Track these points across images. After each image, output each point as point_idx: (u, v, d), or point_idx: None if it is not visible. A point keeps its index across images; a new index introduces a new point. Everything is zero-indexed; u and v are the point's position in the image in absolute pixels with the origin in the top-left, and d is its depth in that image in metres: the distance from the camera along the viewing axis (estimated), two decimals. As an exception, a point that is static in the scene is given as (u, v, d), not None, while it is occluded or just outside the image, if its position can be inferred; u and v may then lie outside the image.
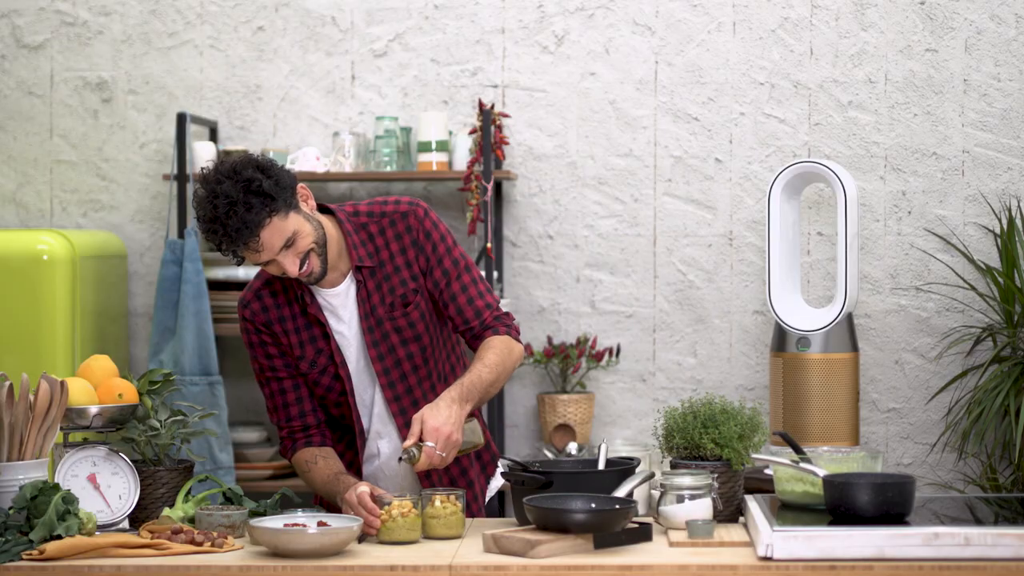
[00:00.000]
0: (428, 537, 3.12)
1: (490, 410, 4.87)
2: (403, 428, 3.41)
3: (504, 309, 3.50)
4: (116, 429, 3.30)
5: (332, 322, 3.38)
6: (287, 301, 3.39)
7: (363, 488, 3.18)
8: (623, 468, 3.28)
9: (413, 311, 3.38)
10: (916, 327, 4.98)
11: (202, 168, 3.31)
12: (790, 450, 3.28)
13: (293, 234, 3.21)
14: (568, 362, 4.96)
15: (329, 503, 3.45)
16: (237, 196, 3.15)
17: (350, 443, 3.50)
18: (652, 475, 3.25)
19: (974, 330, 4.86)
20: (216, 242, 3.20)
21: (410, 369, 3.40)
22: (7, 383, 3.11)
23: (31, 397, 3.12)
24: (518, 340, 3.44)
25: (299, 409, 3.44)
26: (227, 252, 3.22)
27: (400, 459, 3.17)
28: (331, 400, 3.43)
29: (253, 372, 3.47)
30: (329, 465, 3.39)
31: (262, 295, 3.41)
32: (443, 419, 3.18)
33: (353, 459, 3.49)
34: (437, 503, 3.13)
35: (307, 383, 3.43)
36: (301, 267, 3.23)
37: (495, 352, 3.36)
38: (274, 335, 3.40)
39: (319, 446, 3.44)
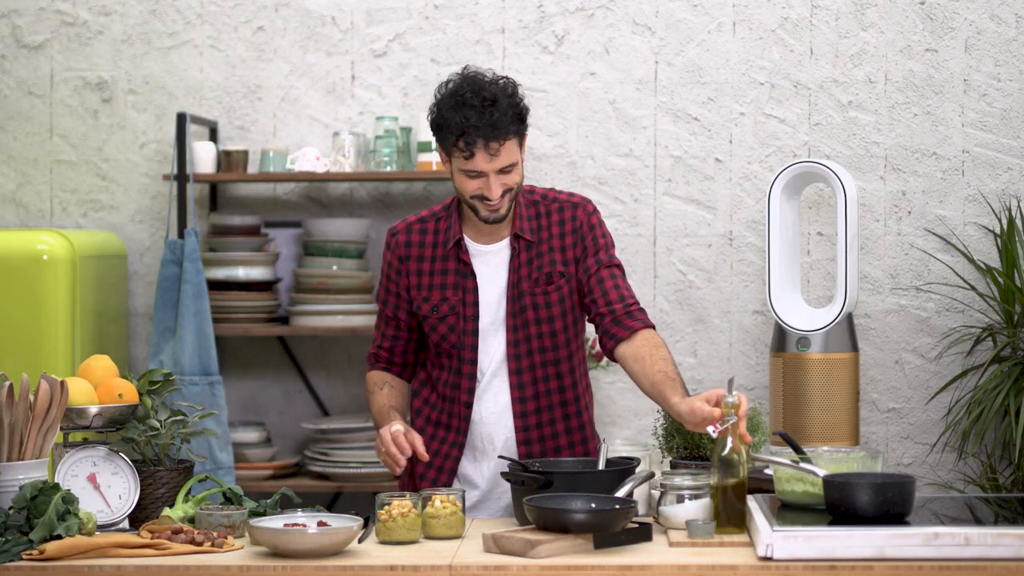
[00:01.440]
0: (428, 537, 3.13)
1: (490, 410, 4.87)
2: (517, 402, 3.50)
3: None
4: (116, 429, 3.30)
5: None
6: (434, 243, 3.54)
7: (398, 427, 3.36)
8: (623, 468, 3.28)
9: (554, 292, 3.49)
10: (916, 327, 4.98)
11: (466, 67, 3.45)
12: (790, 450, 3.28)
13: (512, 165, 3.39)
14: (568, 362, 4.95)
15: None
16: (502, 100, 3.35)
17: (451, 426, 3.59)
18: (652, 475, 3.25)
19: (974, 330, 4.86)
20: (462, 126, 3.33)
21: (537, 348, 3.50)
22: (7, 383, 3.11)
23: (31, 397, 3.12)
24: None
25: (391, 344, 3.64)
26: (466, 140, 3.33)
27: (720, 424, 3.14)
28: (443, 349, 3.53)
29: (380, 285, 3.65)
30: (392, 396, 3.60)
31: (413, 229, 3.57)
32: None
33: (455, 423, 3.57)
34: (437, 503, 3.13)
35: (416, 329, 3.59)
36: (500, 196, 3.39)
37: (664, 349, 3.43)
38: (407, 272, 3.55)
39: (396, 376, 3.66)
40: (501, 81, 3.40)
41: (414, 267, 3.54)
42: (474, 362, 3.51)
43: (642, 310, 3.49)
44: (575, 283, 3.52)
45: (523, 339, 3.49)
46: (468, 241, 3.52)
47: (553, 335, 3.51)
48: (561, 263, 3.50)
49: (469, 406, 3.52)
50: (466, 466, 3.56)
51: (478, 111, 3.33)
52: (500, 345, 3.51)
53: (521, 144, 3.42)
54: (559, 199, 3.56)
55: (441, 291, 3.51)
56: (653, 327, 3.49)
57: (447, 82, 3.41)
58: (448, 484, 3.55)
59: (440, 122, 3.39)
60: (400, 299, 3.58)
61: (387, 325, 3.63)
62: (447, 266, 3.52)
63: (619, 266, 3.55)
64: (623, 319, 3.46)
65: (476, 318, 3.50)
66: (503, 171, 3.37)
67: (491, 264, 3.51)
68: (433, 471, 3.56)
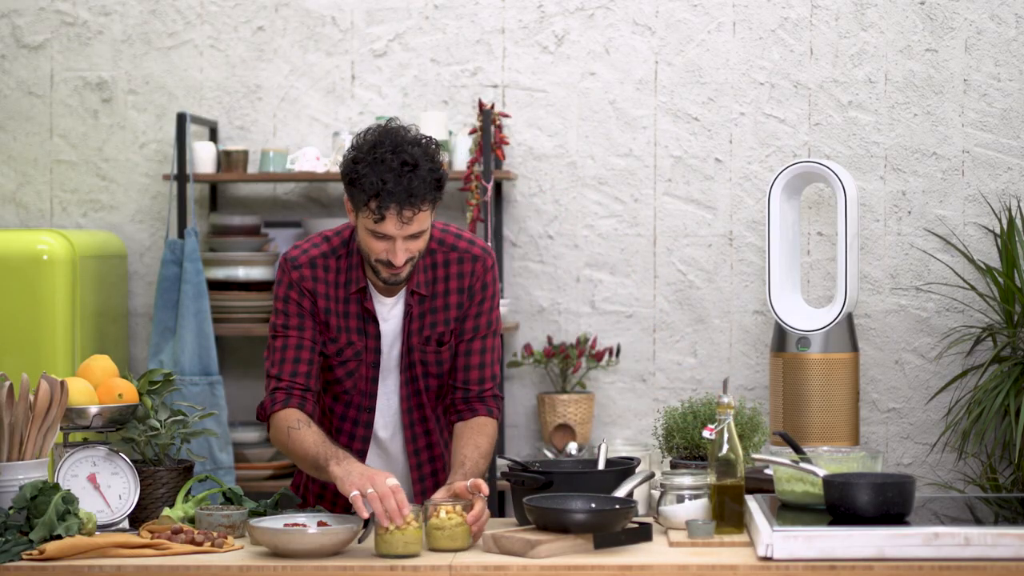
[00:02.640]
0: (432, 549, 3.00)
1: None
2: (412, 456, 3.42)
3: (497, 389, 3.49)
4: (116, 429, 3.30)
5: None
6: (336, 282, 3.34)
7: (393, 481, 3.01)
8: (623, 468, 3.28)
9: (445, 351, 3.38)
10: (916, 327, 4.98)
11: (390, 120, 3.25)
12: (790, 450, 3.28)
13: (422, 233, 3.20)
14: (568, 362, 4.96)
15: (316, 495, 3.47)
16: (423, 164, 3.14)
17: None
18: (652, 475, 3.25)
19: (974, 330, 4.86)
20: (377, 187, 3.11)
21: (427, 401, 3.41)
22: (7, 383, 3.11)
23: (31, 397, 3.12)
24: (498, 421, 3.46)
25: (308, 369, 3.32)
26: (380, 203, 3.12)
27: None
28: (332, 391, 3.40)
29: (271, 325, 3.35)
30: (322, 432, 3.24)
31: (316, 265, 3.33)
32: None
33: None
34: (442, 514, 3.01)
35: (320, 357, 3.37)
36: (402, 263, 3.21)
37: (488, 440, 3.36)
38: (315, 306, 3.33)
39: (309, 415, 3.31)
40: (424, 141, 3.19)
41: (321, 304, 3.33)
42: (371, 410, 3.39)
43: (495, 395, 3.42)
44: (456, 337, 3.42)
45: (413, 392, 3.39)
46: (371, 288, 3.34)
47: (440, 388, 3.42)
48: (454, 320, 3.37)
49: (363, 454, 3.40)
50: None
51: (396, 174, 3.11)
52: (394, 397, 3.40)
53: (434, 209, 3.22)
54: (458, 248, 3.36)
55: (347, 334, 3.34)
56: (495, 415, 3.42)
57: (366, 132, 3.20)
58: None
59: (354, 177, 3.15)
60: (317, 321, 3.32)
61: (300, 351, 3.31)
62: (349, 309, 3.34)
63: (495, 332, 3.42)
64: (472, 401, 3.40)
65: (376, 365, 3.36)
66: (413, 237, 3.19)
67: (388, 315, 3.35)
68: (326, 504, 3.45)
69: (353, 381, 3.38)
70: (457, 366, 3.40)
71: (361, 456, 3.40)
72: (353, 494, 3.00)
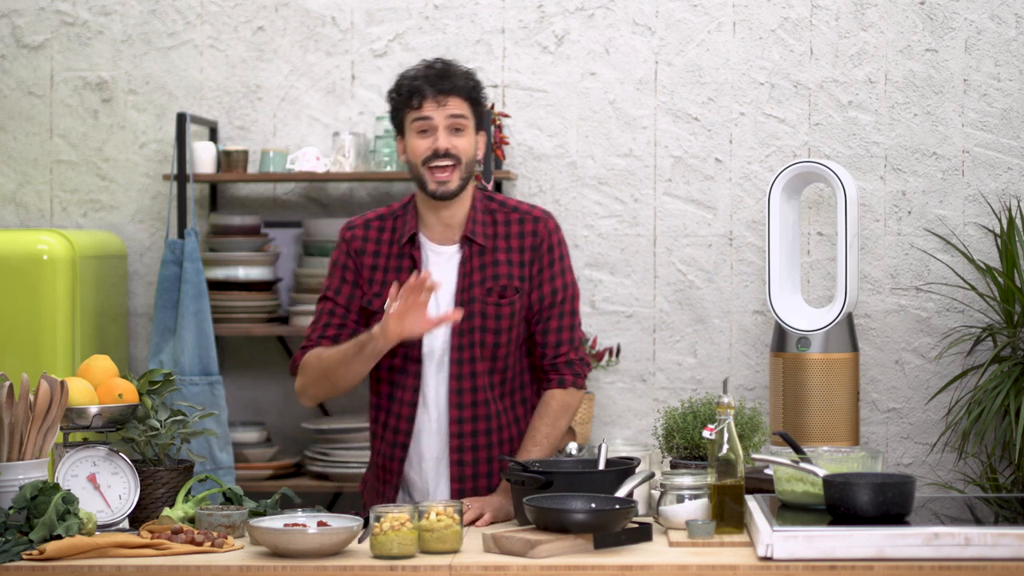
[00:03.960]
0: (423, 551, 2.98)
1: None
2: (454, 393, 3.45)
3: (582, 352, 3.56)
4: (116, 429, 3.31)
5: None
6: (390, 240, 3.51)
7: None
8: (623, 468, 3.28)
9: (506, 306, 3.45)
10: (916, 327, 4.98)
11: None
12: (790, 450, 3.28)
13: (463, 119, 3.42)
14: (568, 362, 4.95)
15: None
16: (456, 67, 3.46)
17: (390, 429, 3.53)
18: (652, 475, 3.25)
19: (974, 330, 4.86)
20: (412, 82, 3.41)
21: (479, 355, 3.45)
22: (7, 383, 3.11)
23: (31, 397, 3.12)
24: (581, 386, 3.54)
25: (337, 332, 3.51)
26: (418, 94, 3.39)
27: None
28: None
29: (322, 287, 3.60)
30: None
31: (371, 226, 3.54)
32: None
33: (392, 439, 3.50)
34: (432, 516, 2.98)
35: (362, 324, 3.50)
36: (448, 156, 3.38)
37: (547, 423, 3.47)
38: (359, 267, 3.51)
39: None
40: (464, 67, 3.48)
41: (368, 262, 3.50)
42: (419, 360, 3.47)
43: (568, 362, 3.51)
44: (527, 300, 3.48)
45: (467, 345, 3.44)
46: (422, 238, 3.49)
47: (496, 348, 3.47)
48: (517, 277, 3.46)
49: (414, 406, 3.47)
50: (409, 473, 3.51)
51: (428, 69, 3.42)
52: (445, 351, 3.45)
53: (477, 117, 3.46)
54: (519, 209, 3.52)
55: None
56: (579, 381, 3.52)
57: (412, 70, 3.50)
58: (396, 488, 3.51)
59: (395, 93, 3.45)
60: (355, 288, 3.51)
61: (332, 315, 3.52)
62: (401, 263, 3.48)
63: (573, 296, 3.53)
64: (548, 370, 3.52)
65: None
66: (455, 130, 3.41)
67: (443, 266, 3.46)
68: (380, 471, 3.51)
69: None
70: (537, 331, 3.51)
71: (412, 409, 3.48)
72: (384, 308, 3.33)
